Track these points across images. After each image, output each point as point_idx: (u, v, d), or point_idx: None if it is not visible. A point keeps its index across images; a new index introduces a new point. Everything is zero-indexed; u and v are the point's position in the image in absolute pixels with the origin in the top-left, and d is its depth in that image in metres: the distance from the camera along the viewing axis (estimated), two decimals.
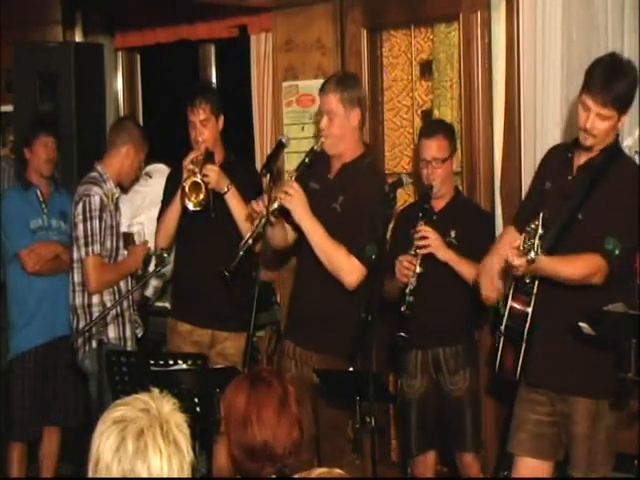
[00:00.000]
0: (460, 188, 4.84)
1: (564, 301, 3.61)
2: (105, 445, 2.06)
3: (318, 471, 2.44)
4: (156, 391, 2.18)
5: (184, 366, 3.89)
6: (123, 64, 6.87)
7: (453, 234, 4.45)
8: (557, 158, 3.84)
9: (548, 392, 3.73)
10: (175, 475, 2.06)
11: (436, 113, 5.32)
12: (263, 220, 4.03)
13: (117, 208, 4.93)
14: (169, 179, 4.94)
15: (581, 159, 3.70)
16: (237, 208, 4.54)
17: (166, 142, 5.84)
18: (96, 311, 4.77)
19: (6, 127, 6.47)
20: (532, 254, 3.26)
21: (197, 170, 4.46)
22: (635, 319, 3.31)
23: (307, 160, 4.19)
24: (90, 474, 2.08)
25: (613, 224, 3.52)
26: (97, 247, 4.75)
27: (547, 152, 3.96)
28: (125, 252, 4.92)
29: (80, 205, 4.76)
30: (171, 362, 3.91)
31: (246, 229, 4.43)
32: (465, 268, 4.32)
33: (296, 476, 2.48)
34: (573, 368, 3.65)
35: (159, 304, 5.62)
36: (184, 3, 5.97)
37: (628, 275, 3.73)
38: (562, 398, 3.69)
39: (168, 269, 4.89)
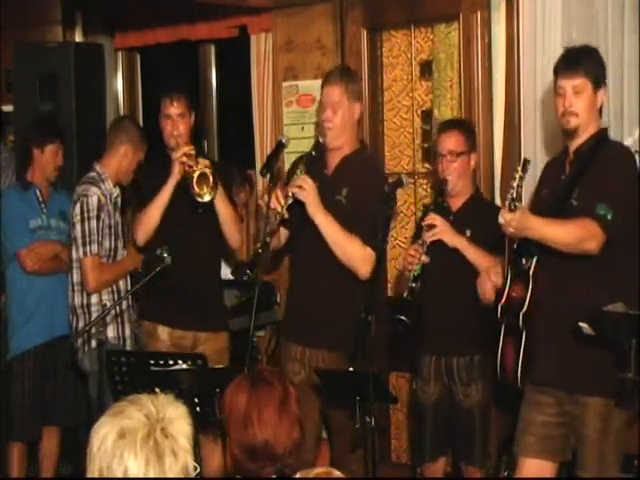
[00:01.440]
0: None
1: (566, 295, 3.59)
2: (95, 437, 2.07)
3: (317, 471, 2.44)
4: (162, 395, 2.16)
5: (184, 366, 3.88)
6: (123, 64, 6.87)
7: (468, 233, 4.34)
8: (553, 166, 3.87)
9: (555, 392, 3.67)
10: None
11: (436, 113, 5.31)
12: (278, 217, 4.08)
13: (116, 207, 4.93)
14: (148, 177, 4.87)
15: (571, 154, 3.70)
16: (222, 206, 4.55)
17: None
18: (95, 311, 4.77)
19: (6, 127, 6.47)
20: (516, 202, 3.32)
21: (193, 163, 4.46)
22: (635, 319, 3.30)
23: (313, 152, 4.23)
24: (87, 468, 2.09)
25: (603, 196, 3.50)
26: (95, 247, 4.75)
27: (545, 165, 3.98)
28: (124, 252, 4.92)
29: (78, 205, 4.76)
30: (171, 362, 3.91)
31: (228, 226, 4.57)
32: (474, 254, 4.24)
33: (296, 476, 2.48)
34: (582, 367, 3.59)
35: None
36: (184, 3, 5.97)
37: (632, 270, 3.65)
38: (571, 399, 3.63)
39: None
